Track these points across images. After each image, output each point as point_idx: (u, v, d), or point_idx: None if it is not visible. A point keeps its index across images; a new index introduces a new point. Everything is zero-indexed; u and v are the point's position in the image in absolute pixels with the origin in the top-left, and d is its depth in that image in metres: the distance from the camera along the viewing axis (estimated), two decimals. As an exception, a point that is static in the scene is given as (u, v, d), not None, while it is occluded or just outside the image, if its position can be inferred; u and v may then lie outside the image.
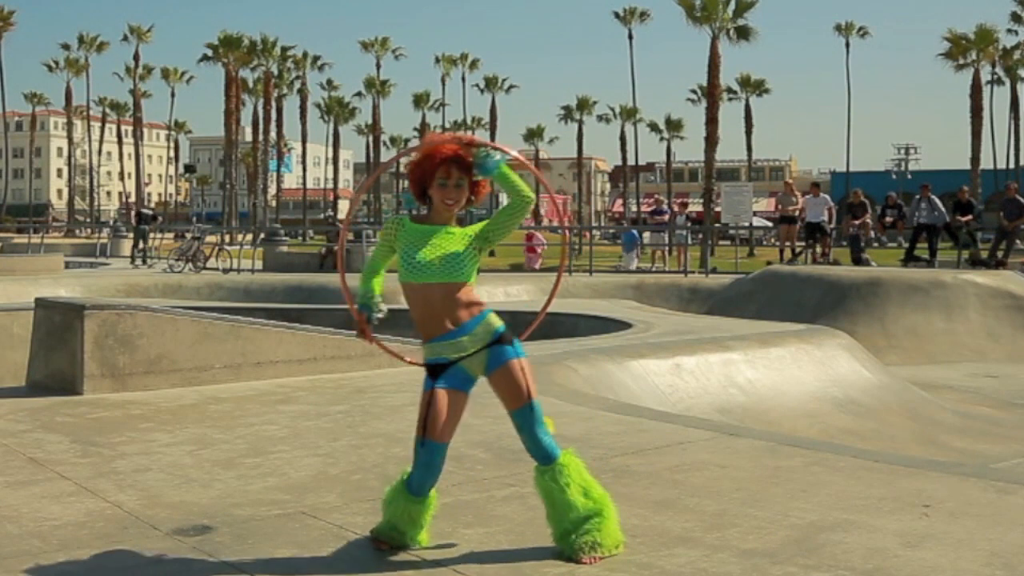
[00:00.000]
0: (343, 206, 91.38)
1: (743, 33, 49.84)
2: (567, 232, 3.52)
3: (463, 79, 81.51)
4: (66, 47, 79.79)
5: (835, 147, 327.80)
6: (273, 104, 70.89)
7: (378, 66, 78.63)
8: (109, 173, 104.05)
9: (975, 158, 55.26)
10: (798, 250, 21.79)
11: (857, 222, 20.84)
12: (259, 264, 25.74)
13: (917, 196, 20.31)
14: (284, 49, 71.54)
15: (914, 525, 3.92)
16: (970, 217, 20.13)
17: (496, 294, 18.24)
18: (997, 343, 15.49)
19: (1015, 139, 62.97)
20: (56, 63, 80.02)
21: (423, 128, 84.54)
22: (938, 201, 19.87)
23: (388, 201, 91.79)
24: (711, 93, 49.86)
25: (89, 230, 55.75)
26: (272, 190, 74.78)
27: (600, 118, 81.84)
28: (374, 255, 3.71)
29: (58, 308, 7.28)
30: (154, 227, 32.20)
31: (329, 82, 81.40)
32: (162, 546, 3.66)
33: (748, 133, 67.04)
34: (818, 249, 21.12)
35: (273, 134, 71.98)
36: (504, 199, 3.74)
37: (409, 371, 3.89)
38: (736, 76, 69.03)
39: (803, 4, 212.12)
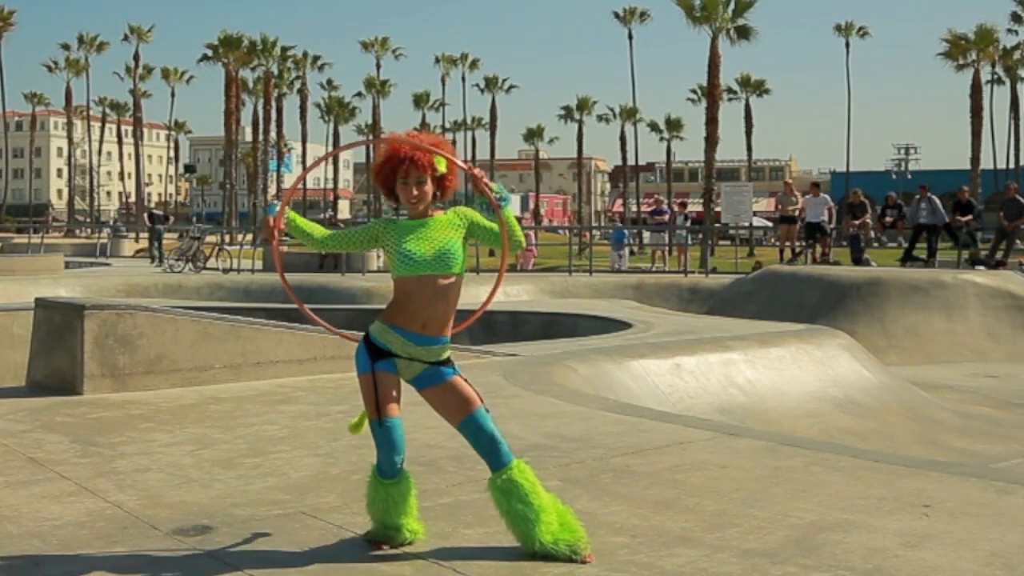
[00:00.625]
0: (343, 206, 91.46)
1: (743, 33, 49.85)
2: (504, 228, 3.47)
3: (463, 79, 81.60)
4: (66, 47, 79.90)
5: (835, 147, 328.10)
6: (273, 104, 70.92)
7: (378, 66, 78.74)
8: (109, 173, 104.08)
9: (975, 158, 55.25)
10: (798, 250, 21.79)
11: (857, 222, 20.84)
12: (259, 264, 25.74)
13: (917, 196, 20.31)
14: (284, 49, 71.60)
15: (914, 525, 3.92)
16: (970, 217, 20.13)
17: (496, 294, 18.22)
18: (997, 343, 15.49)
19: (1015, 139, 63.00)
20: (56, 63, 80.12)
21: (423, 128, 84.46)
22: (937, 201, 19.87)
23: (388, 202, 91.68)
24: (711, 93, 49.87)
25: (89, 230, 55.74)
26: (272, 190, 74.77)
27: (600, 118, 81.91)
28: (349, 231, 3.73)
29: (58, 308, 7.28)
30: (167, 227, 32.38)
31: (329, 82, 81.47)
32: (162, 546, 3.66)
33: (748, 133, 67.09)
34: (818, 249, 21.11)
35: (273, 134, 72.00)
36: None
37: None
38: (736, 76, 69.18)
39: (803, 4, 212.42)
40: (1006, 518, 4.05)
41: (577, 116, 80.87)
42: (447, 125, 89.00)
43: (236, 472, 4.79)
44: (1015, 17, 60.50)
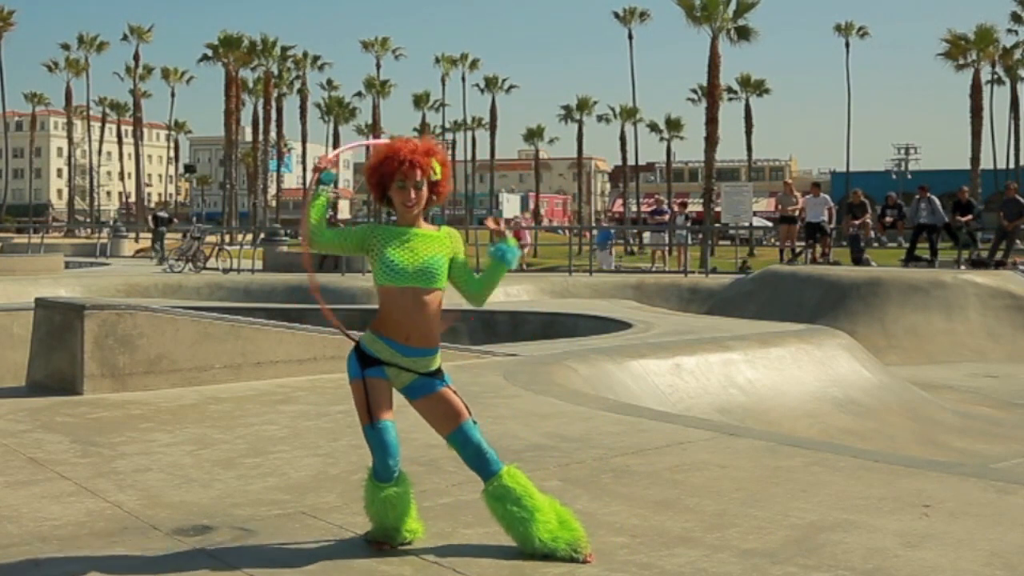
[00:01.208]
0: (343, 206, 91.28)
1: (743, 33, 49.86)
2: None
3: (463, 79, 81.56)
4: (66, 47, 79.91)
5: (835, 147, 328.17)
6: (273, 104, 70.92)
7: (378, 66, 78.72)
8: (109, 173, 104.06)
9: (975, 158, 55.25)
10: (798, 250, 21.79)
11: (857, 222, 20.84)
12: (259, 264, 25.74)
13: (917, 196, 20.31)
14: (284, 49, 71.59)
15: (914, 525, 3.92)
16: (970, 217, 20.13)
17: (496, 294, 18.18)
18: (997, 343, 15.49)
19: (1015, 139, 62.98)
20: (56, 63, 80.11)
21: (423, 128, 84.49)
22: (937, 201, 19.87)
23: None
24: (711, 93, 49.88)
25: (89, 230, 55.73)
26: (272, 190, 74.79)
27: (600, 118, 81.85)
28: (340, 231, 3.70)
29: (58, 308, 7.28)
30: (170, 228, 32.47)
31: (329, 82, 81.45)
32: (162, 546, 3.66)
33: (748, 133, 67.07)
34: (818, 249, 21.11)
35: (273, 134, 72.00)
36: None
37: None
38: (736, 76, 69.11)
39: (803, 4, 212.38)
40: (1006, 518, 4.05)
41: (577, 116, 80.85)
42: (447, 125, 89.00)
43: (236, 472, 4.79)
44: (1015, 17, 60.48)
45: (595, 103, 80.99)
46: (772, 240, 34.51)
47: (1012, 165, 61.34)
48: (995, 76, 63.73)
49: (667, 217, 26.49)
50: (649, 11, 75.12)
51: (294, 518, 4.00)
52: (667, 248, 25.79)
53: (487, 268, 3.68)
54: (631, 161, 77.35)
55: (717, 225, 34.85)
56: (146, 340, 7.06)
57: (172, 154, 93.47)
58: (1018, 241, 20.71)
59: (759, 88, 69.77)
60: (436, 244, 3.57)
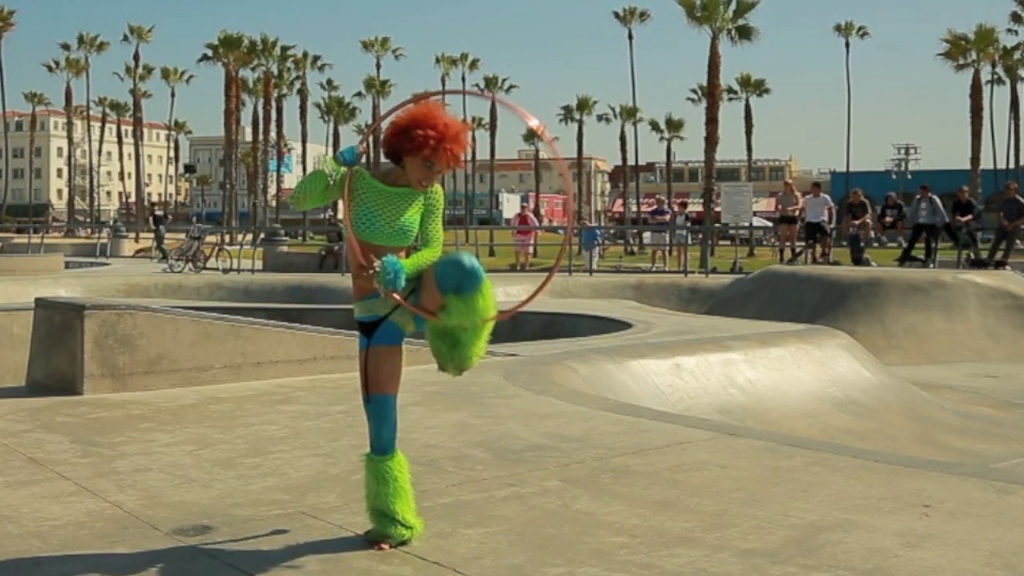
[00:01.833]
0: (343, 206, 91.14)
1: (743, 33, 49.86)
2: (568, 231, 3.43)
3: (463, 79, 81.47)
4: (66, 47, 79.91)
5: (835, 147, 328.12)
6: (273, 104, 70.90)
7: (378, 66, 78.70)
8: (109, 173, 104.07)
9: (975, 158, 55.26)
10: (798, 250, 21.79)
11: (857, 222, 20.84)
12: (259, 264, 25.74)
13: (917, 196, 20.30)
14: (284, 49, 71.55)
15: (914, 525, 3.92)
16: (970, 217, 20.13)
17: (496, 294, 18.21)
18: (997, 343, 15.49)
19: (1015, 139, 62.98)
20: (56, 63, 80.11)
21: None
22: (938, 201, 19.87)
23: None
24: (711, 93, 49.88)
25: (89, 230, 55.73)
26: (272, 190, 74.77)
27: (600, 118, 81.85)
28: (311, 178, 3.58)
29: (58, 308, 7.28)
30: (167, 226, 32.65)
31: (329, 82, 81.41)
32: (162, 546, 3.66)
33: (748, 133, 67.08)
34: (818, 249, 21.12)
35: (273, 134, 71.99)
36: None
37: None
38: (736, 76, 69.14)
39: (803, 4, 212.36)
40: (1006, 518, 4.05)
41: (577, 116, 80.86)
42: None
43: (236, 472, 4.79)
44: (1015, 17, 60.49)
45: (595, 103, 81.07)
46: (772, 240, 34.52)
47: (1012, 165, 61.35)
48: (995, 76, 63.76)
49: (668, 217, 26.51)
50: (649, 11, 75.12)
51: (294, 518, 4.00)
52: (667, 248, 25.80)
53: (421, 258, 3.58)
54: (631, 161, 77.40)
55: (717, 225, 34.85)
56: (146, 340, 7.06)
57: (172, 154, 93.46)
58: (1018, 241, 20.70)
59: (759, 88, 69.80)
60: (417, 207, 3.57)
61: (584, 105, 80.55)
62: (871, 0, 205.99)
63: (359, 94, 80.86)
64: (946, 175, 55.68)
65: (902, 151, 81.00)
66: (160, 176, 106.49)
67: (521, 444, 5.41)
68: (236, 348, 7.50)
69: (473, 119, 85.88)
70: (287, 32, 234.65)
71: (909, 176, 71.67)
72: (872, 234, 21.70)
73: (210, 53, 67.16)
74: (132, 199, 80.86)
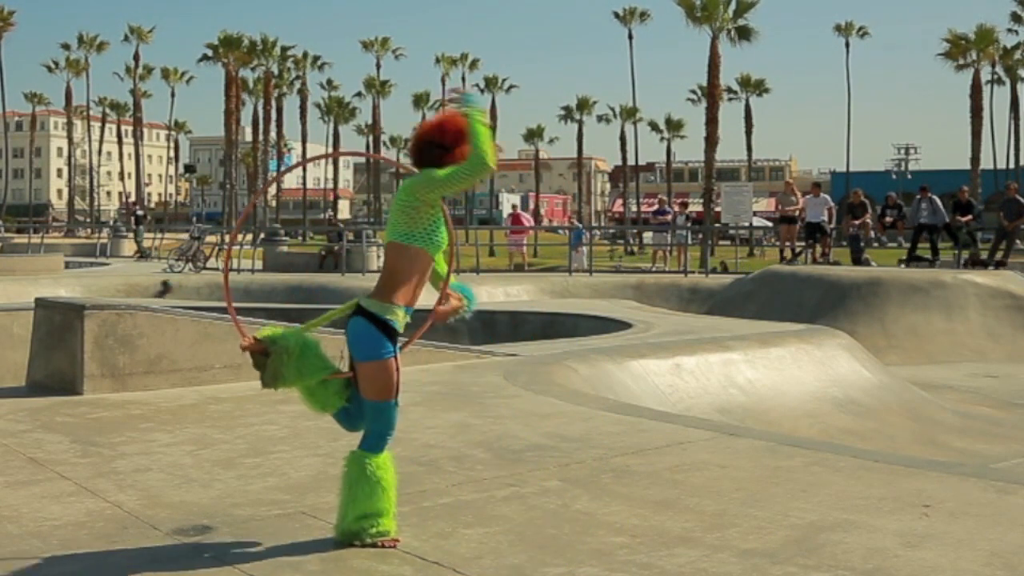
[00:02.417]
0: (343, 206, 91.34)
1: (743, 33, 49.85)
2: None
3: (463, 79, 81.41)
4: (66, 47, 79.86)
5: (835, 147, 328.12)
6: (273, 104, 70.92)
7: (378, 66, 78.69)
8: (109, 173, 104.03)
9: (975, 158, 55.24)
10: (798, 250, 21.79)
11: (857, 222, 20.82)
12: (259, 264, 25.74)
13: (917, 196, 20.29)
14: (284, 49, 71.57)
15: (914, 525, 3.92)
16: (970, 217, 20.11)
17: (496, 294, 18.24)
18: (997, 343, 15.49)
19: (1015, 139, 62.98)
20: (56, 63, 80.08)
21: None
22: (939, 201, 19.86)
23: (388, 201, 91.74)
24: (711, 93, 49.88)
25: (89, 230, 55.71)
26: (272, 190, 74.74)
27: (600, 118, 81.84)
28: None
29: (58, 308, 7.28)
30: (147, 225, 32.71)
31: (329, 82, 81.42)
32: (162, 546, 3.66)
33: (748, 133, 67.10)
34: (818, 249, 21.11)
35: (273, 134, 71.98)
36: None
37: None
38: (736, 76, 69.10)
39: (803, 4, 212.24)
40: (1006, 518, 4.05)
41: (577, 116, 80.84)
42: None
43: (236, 472, 4.79)
44: (1015, 17, 60.48)
45: (595, 103, 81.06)
46: (772, 240, 34.54)
47: (1012, 165, 61.35)
48: (995, 76, 63.76)
49: (670, 217, 26.52)
50: (649, 11, 75.10)
51: (294, 518, 4.00)
52: (668, 248, 25.80)
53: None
54: (631, 161, 77.39)
55: (717, 225, 34.85)
56: (146, 340, 7.06)
57: (172, 154, 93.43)
58: (1018, 241, 20.69)
59: (759, 88, 69.80)
60: (400, 194, 3.68)
61: (584, 105, 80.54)
62: (871, 0, 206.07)
63: (359, 94, 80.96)
64: (946, 175, 55.66)
65: (902, 151, 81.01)
66: (160, 176, 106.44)
67: (521, 444, 5.41)
68: (236, 348, 7.45)
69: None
70: (287, 32, 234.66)
71: (909, 176, 71.66)
72: (872, 234, 21.68)
73: (210, 53, 67.17)
74: (132, 199, 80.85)
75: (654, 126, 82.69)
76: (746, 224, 33.22)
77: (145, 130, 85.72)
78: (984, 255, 20.05)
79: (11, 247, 35.75)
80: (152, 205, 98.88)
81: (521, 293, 19.02)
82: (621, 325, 12.48)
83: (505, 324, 14.44)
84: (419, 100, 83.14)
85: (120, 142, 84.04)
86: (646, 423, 6.10)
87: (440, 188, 3.56)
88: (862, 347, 11.19)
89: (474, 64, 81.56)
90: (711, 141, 48.76)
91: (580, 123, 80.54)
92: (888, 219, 21.19)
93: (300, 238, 39.88)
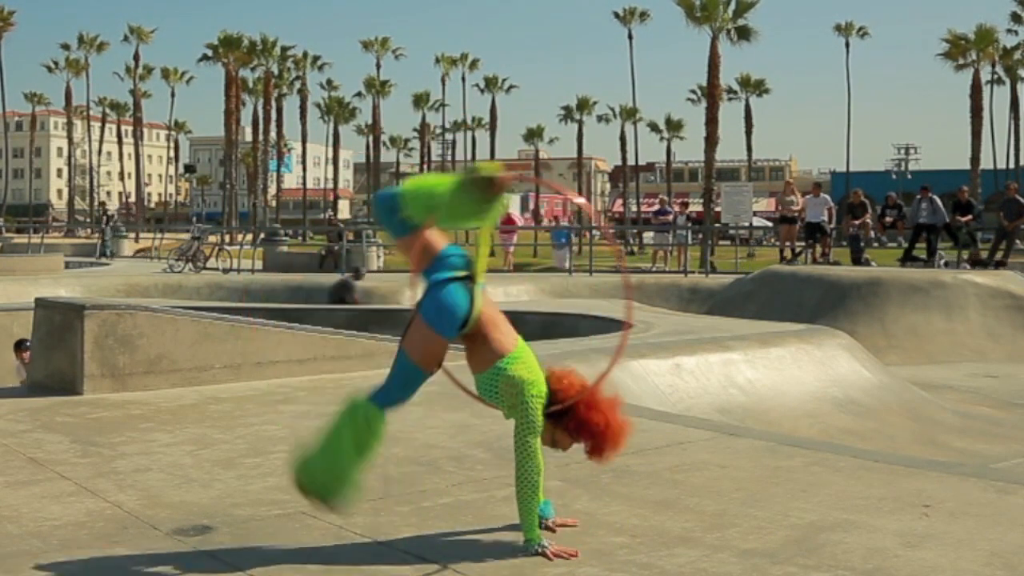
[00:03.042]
0: (343, 206, 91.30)
1: (743, 33, 49.86)
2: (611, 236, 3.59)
3: (463, 79, 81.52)
4: (66, 47, 79.85)
5: (835, 147, 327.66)
6: (273, 104, 70.89)
7: (378, 66, 78.67)
8: (109, 173, 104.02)
9: (975, 158, 55.23)
10: (798, 250, 21.79)
11: (857, 222, 20.83)
12: (259, 264, 25.74)
13: (918, 196, 20.29)
14: (284, 49, 71.55)
15: (914, 525, 3.92)
16: (970, 217, 20.12)
17: (496, 294, 18.21)
18: (997, 343, 15.49)
19: (1015, 139, 62.96)
20: (56, 63, 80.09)
21: (423, 128, 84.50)
22: (939, 201, 19.86)
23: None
24: (711, 93, 49.89)
25: (89, 230, 55.72)
26: (272, 190, 74.78)
27: (600, 118, 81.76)
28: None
29: (58, 308, 7.28)
30: (113, 224, 35.98)
31: (329, 82, 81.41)
32: (162, 546, 3.66)
33: (748, 133, 67.09)
34: (818, 249, 21.11)
35: (273, 134, 71.98)
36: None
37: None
38: (736, 76, 69.07)
39: (803, 4, 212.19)
40: (1006, 518, 4.05)
41: (577, 116, 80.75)
42: (447, 125, 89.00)
43: (236, 472, 4.79)
44: (1015, 17, 60.47)
45: (595, 103, 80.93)
46: (772, 240, 34.51)
47: (1012, 165, 61.33)
48: (995, 76, 63.74)
49: (671, 217, 26.53)
50: (649, 11, 75.00)
51: (294, 518, 4.00)
52: (669, 248, 25.81)
53: None
54: (631, 161, 77.35)
55: (717, 225, 34.87)
56: (146, 340, 7.06)
57: (172, 154, 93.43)
58: (1018, 241, 20.68)
59: (759, 88, 69.78)
60: None
61: (584, 105, 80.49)
62: (871, 0, 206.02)
63: (359, 94, 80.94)
64: (946, 175, 55.66)
65: (902, 151, 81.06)
66: (160, 176, 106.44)
67: (521, 444, 5.39)
68: (236, 348, 7.50)
69: (473, 119, 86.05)
70: (287, 32, 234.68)
71: (909, 176, 71.68)
72: (872, 234, 21.69)
73: (210, 53, 67.15)
74: (132, 199, 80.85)
75: (654, 126, 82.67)
76: (746, 224, 33.24)
77: (145, 130, 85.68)
78: (984, 255, 20.05)
79: (11, 247, 35.78)
80: (152, 205, 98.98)
81: (521, 293, 19.03)
82: (621, 325, 12.47)
83: (505, 324, 14.40)
84: (419, 100, 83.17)
85: (120, 142, 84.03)
86: (646, 423, 6.09)
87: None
88: (862, 347, 11.19)
89: (474, 64, 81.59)
90: (711, 141, 48.77)
91: (580, 123, 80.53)
92: (888, 219, 21.19)
93: (300, 238, 39.89)
